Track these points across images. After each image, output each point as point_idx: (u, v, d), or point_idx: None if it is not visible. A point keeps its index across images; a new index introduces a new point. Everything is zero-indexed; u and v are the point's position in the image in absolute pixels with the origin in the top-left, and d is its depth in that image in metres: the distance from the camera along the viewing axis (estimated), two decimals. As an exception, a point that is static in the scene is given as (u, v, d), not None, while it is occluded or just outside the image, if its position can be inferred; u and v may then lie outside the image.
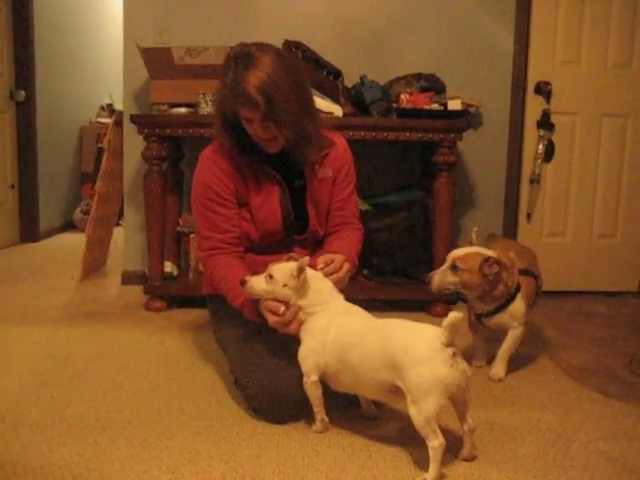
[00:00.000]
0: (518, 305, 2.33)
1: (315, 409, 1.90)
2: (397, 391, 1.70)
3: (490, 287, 2.25)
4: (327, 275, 1.96)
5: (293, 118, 2.00)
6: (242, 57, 1.97)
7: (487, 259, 2.19)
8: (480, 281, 2.22)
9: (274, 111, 1.96)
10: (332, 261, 2.01)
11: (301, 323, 1.90)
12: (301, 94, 2.04)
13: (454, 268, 2.22)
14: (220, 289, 2.14)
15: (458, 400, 1.70)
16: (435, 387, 1.62)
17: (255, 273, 1.97)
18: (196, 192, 2.20)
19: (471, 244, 2.32)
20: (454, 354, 1.63)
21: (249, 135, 2.08)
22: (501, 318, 2.35)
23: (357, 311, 1.92)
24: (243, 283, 1.92)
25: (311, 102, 2.14)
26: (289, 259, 1.94)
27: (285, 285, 1.88)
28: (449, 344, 1.63)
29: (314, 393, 1.88)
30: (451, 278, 2.23)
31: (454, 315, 1.62)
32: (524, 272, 2.38)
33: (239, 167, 2.16)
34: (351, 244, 2.22)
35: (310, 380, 1.87)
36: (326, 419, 1.91)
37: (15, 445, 1.79)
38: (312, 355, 1.86)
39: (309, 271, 1.90)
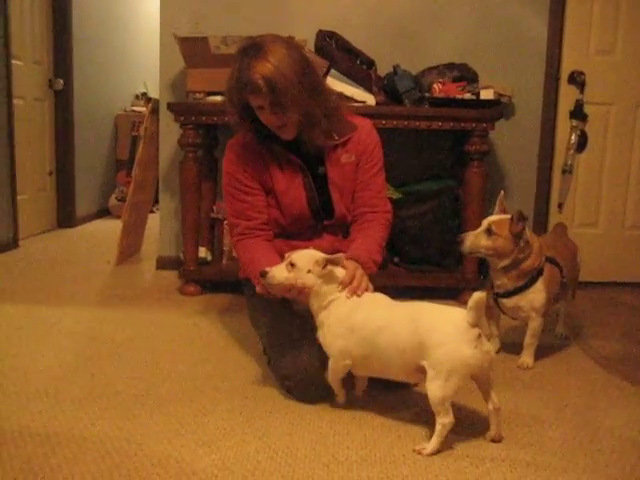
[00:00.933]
0: (538, 291, 2.33)
1: (338, 390, 1.97)
2: (423, 370, 1.74)
3: (521, 256, 2.26)
4: (353, 292, 1.92)
5: (299, 102, 2.03)
6: (250, 48, 2.03)
7: (514, 216, 2.21)
8: (511, 247, 2.23)
9: (278, 96, 1.99)
10: (354, 276, 1.95)
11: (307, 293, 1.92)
12: (307, 80, 2.06)
13: (489, 232, 2.24)
14: (245, 269, 2.21)
15: (482, 380, 1.75)
16: (459, 367, 1.68)
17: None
18: (224, 181, 2.28)
19: (501, 206, 2.33)
20: (479, 335, 1.69)
21: (265, 125, 2.12)
22: (520, 302, 2.34)
23: (382, 297, 1.95)
24: (263, 275, 1.91)
25: (319, 88, 2.14)
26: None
27: (309, 271, 1.89)
28: (475, 324, 1.68)
29: (340, 373, 1.92)
30: (484, 242, 2.25)
31: (479, 295, 1.67)
32: (550, 260, 2.38)
33: (262, 155, 2.21)
34: (373, 239, 2.18)
35: (343, 363, 1.89)
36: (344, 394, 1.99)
37: (59, 418, 1.87)
38: (339, 340, 1.88)
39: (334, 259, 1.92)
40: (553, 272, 2.38)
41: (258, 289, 2.05)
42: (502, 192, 2.40)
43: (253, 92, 2.01)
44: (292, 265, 1.91)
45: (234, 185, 2.23)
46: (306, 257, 1.91)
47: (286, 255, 1.96)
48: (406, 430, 1.86)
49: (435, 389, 1.69)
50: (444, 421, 1.69)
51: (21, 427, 1.80)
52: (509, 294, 2.36)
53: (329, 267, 1.90)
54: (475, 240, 2.26)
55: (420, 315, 1.79)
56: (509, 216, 2.26)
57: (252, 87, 1.99)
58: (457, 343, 1.68)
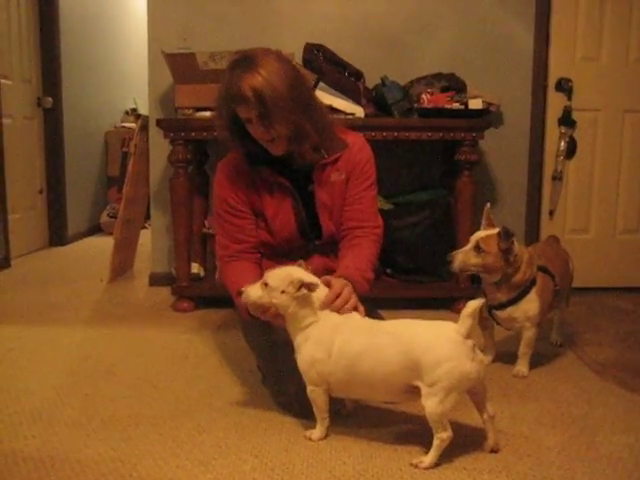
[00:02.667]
0: (532, 301, 2.32)
1: (320, 415, 1.86)
2: (413, 390, 1.71)
3: (511, 270, 2.25)
4: (337, 310, 1.85)
5: (288, 116, 2.01)
6: (242, 61, 2.02)
7: (500, 233, 2.20)
8: (501, 263, 2.23)
9: (266, 108, 1.97)
10: (339, 294, 1.89)
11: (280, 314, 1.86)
12: (297, 94, 2.04)
13: (477, 249, 2.23)
14: (229, 291, 2.15)
15: (477, 390, 1.74)
16: (459, 383, 1.66)
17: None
18: (213, 203, 2.29)
19: (488, 220, 2.32)
20: (474, 346, 1.68)
21: (255, 141, 2.10)
22: (514, 313, 2.34)
23: (360, 319, 1.87)
24: (239, 294, 1.87)
25: (310, 103, 2.11)
26: (299, 266, 1.89)
27: (283, 292, 1.80)
28: (468, 336, 1.67)
29: (321, 401, 1.84)
30: (474, 259, 2.24)
31: (475, 303, 1.66)
32: (542, 269, 2.37)
33: (251, 178, 2.19)
34: (364, 256, 2.13)
35: (317, 390, 1.82)
36: (329, 426, 1.88)
37: (53, 441, 1.86)
38: (317, 365, 1.80)
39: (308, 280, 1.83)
40: (546, 281, 2.38)
41: (239, 312, 2.05)
42: (488, 205, 2.38)
43: (241, 103, 1.99)
44: (266, 284, 1.82)
45: (224, 208, 2.22)
46: (280, 276, 1.82)
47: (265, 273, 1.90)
48: (402, 444, 1.84)
49: (434, 406, 1.65)
50: (443, 436, 1.67)
51: (14, 451, 1.79)
52: (503, 306, 2.36)
53: (304, 290, 1.79)
54: (464, 258, 2.26)
55: (410, 335, 1.73)
56: (496, 231, 2.25)
57: (240, 98, 1.98)
58: (457, 360, 1.65)
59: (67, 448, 1.81)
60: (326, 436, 1.87)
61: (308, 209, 2.22)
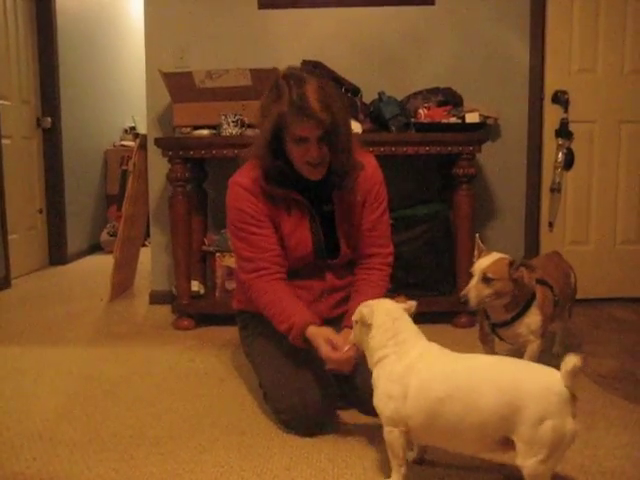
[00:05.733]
0: (534, 315, 2.29)
1: (395, 461, 1.68)
2: (506, 442, 1.55)
3: (519, 291, 2.22)
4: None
5: (345, 139, 2.04)
6: (294, 78, 2.00)
7: (511, 263, 2.16)
8: (511, 287, 2.17)
9: (334, 128, 1.98)
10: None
11: (355, 362, 1.89)
12: (349, 118, 2.09)
13: (486, 280, 2.15)
14: (265, 312, 2.12)
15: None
16: (563, 442, 1.49)
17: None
18: (231, 218, 2.19)
19: (479, 249, 2.31)
20: (575, 402, 1.51)
21: (287, 161, 2.08)
22: (517, 329, 2.29)
23: (437, 353, 1.71)
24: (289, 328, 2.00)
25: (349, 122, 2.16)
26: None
27: (356, 322, 1.79)
28: (574, 391, 1.50)
29: (398, 445, 1.65)
30: (486, 291, 2.14)
31: (573, 359, 1.48)
32: (540, 282, 2.34)
33: (268, 194, 2.15)
34: (375, 295, 2.06)
35: (394, 433, 1.65)
36: (404, 472, 1.68)
37: (54, 463, 1.85)
38: (391, 403, 1.65)
39: (377, 312, 1.75)
40: (545, 293, 2.36)
41: (292, 340, 2.04)
42: (477, 235, 2.35)
43: (310, 121, 1.95)
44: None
45: (243, 219, 2.14)
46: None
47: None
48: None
49: (536, 466, 1.48)
50: None
51: (16, 474, 1.78)
52: (506, 324, 2.33)
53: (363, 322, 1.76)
54: (478, 292, 2.15)
55: (515, 379, 1.54)
56: (495, 256, 2.20)
57: (311, 115, 1.94)
58: (562, 417, 1.48)
59: (68, 470, 1.81)
60: None
61: (323, 229, 2.21)
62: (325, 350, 1.93)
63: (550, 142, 3.69)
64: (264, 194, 2.14)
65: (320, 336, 1.96)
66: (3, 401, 2.34)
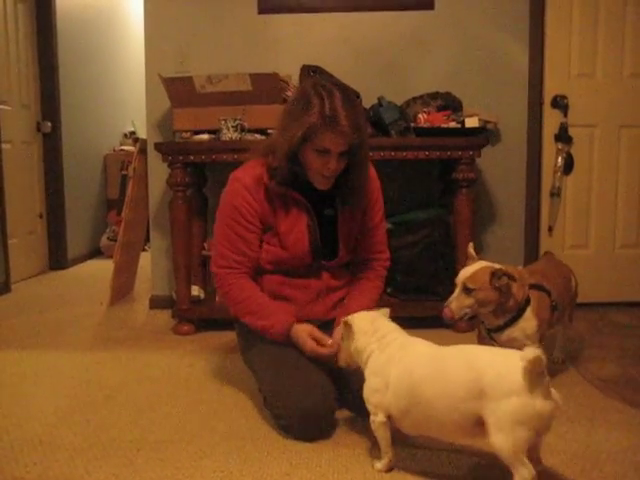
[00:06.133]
0: (529, 320, 2.27)
1: (382, 448, 1.80)
2: (480, 424, 1.59)
3: (504, 299, 2.22)
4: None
5: (365, 155, 2.16)
6: (323, 88, 2.05)
7: (494, 272, 2.15)
8: (494, 295, 2.17)
9: (360, 146, 2.07)
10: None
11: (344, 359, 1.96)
12: (367, 134, 2.22)
13: (467, 290, 2.15)
14: (240, 307, 2.21)
15: (540, 432, 1.60)
16: (531, 419, 1.52)
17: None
18: (223, 212, 2.24)
19: (470, 258, 2.29)
20: (548, 383, 1.55)
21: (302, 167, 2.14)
22: (512, 333, 2.28)
23: (417, 343, 1.83)
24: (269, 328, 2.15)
25: None
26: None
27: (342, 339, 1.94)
28: (539, 371, 1.53)
29: (381, 434, 1.78)
30: (467, 301, 2.15)
31: (534, 352, 1.51)
32: (535, 287, 2.33)
33: (268, 192, 2.18)
34: (371, 297, 2.32)
35: (377, 420, 1.78)
36: (393, 459, 1.81)
37: (54, 468, 1.85)
38: (375, 394, 1.79)
39: (355, 317, 1.91)
40: (541, 298, 2.34)
41: (273, 336, 2.16)
42: (470, 244, 2.34)
43: (337, 135, 2.01)
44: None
45: (235, 218, 2.19)
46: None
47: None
48: (405, 467, 1.83)
49: (503, 442, 1.52)
50: (524, 474, 1.50)
51: (15, 479, 1.78)
52: (500, 329, 2.32)
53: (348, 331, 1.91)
54: (459, 304, 2.16)
55: (479, 360, 1.63)
56: (478, 265, 2.19)
57: (340, 131, 2.00)
58: (527, 395, 1.52)
59: (68, 475, 1.80)
60: (391, 469, 1.80)
61: (322, 231, 2.24)
62: (311, 345, 2.08)
63: (550, 146, 3.69)
64: (263, 193, 2.18)
65: (304, 332, 2.10)
66: (3, 405, 2.33)
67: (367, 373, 1.84)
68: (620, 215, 3.77)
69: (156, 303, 3.82)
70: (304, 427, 1.99)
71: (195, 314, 3.35)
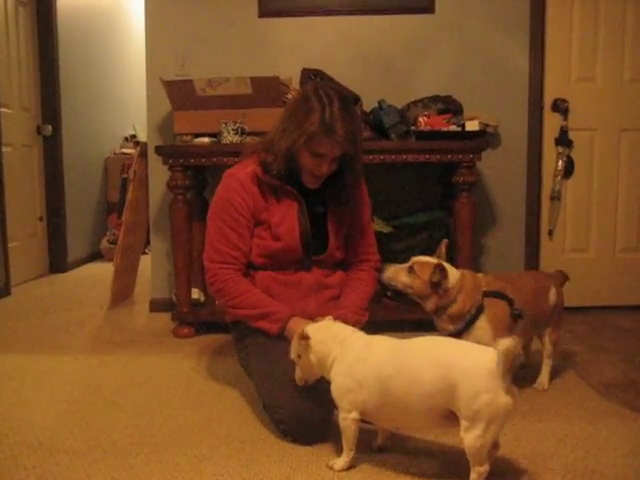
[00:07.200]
0: (482, 328, 2.23)
1: (347, 445, 1.83)
2: (450, 416, 1.65)
3: (443, 302, 2.21)
4: None
5: (358, 161, 2.22)
6: (325, 94, 2.12)
7: (437, 265, 2.17)
8: (428, 292, 2.20)
9: (354, 154, 2.16)
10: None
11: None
12: (362, 141, 2.24)
13: (410, 270, 2.21)
14: (236, 301, 2.23)
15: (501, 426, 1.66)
16: (499, 415, 1.59)
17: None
18: (215, 206, 2.30)
19: (437, 256, 2.30)
20: (510, 378, 1.61)
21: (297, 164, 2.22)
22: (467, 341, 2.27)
23: (380, 340, 1.87)
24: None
25: None
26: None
27: (299, 356, 1.92)
28: (505, 369, 1.60)
29: (351, 431, 1.81)
30: (403, 278, 2.22)
31: (509, 342, 1.62)
32: (492, 294, 2.28)
33: (261, 187, 2.25)
34: (363, 294, 2.35)
35: (351, 417, 1.79)
36: (353, 458, 1.84)
37: (53, 471, 1.84)
38: (348, 394, 1.80)
39: (309, 330, 1.89)
40: (498, 306, 2.27)
41: (266, 326, 2.20)
42: (444, 241, 2.36)
43: (333, 143, 2.10)
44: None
45: (227, 212, 2.24)
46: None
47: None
48: (404, 470, 1.83)
49: (472, 439, 1.59)
50: (480, 470, 1.61)
51: (15, 483, 1.78)
52: (453, 336, 2.25)
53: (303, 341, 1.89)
54: (395, 273, 2.24)
55: (448, 356, 1.68)
56: (436, 261, 2.21)
57: (335, 139, 2.09)
58: (494, 392, 1.58)
59: (68, 478, 1.80)
60: (350, 467, 1.82)
61: (312, 226, 2.29)
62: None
63: (550, 150, 3.69)
64: (256, 188, 2.25)
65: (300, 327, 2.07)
66: (2, 409, 2.33)
67: (333, 375, 1.85)
68: (620, 219, 3.76)
69: (156, 306, 3.82)
70: (303, 431, 1.99)
71: (195, 317, 3.35)
